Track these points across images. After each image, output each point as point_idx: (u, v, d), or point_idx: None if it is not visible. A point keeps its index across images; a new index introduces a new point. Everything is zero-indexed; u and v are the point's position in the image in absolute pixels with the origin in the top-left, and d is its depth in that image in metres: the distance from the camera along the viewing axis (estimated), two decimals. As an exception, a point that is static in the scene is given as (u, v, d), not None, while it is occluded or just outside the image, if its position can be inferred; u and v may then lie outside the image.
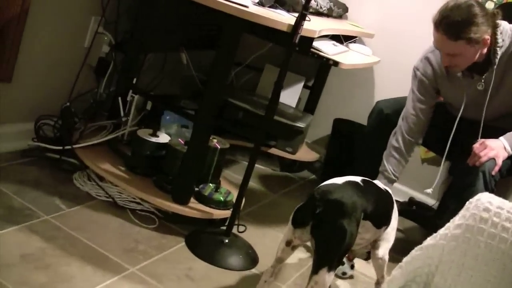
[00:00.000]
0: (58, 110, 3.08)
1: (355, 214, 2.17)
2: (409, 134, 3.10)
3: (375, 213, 2.35)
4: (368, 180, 2.50)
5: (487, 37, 2.75)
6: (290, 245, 2.28)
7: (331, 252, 2.14)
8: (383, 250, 2.58)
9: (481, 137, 2.92)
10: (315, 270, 2.12)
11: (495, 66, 2.84)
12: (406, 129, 3.11)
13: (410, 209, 3.80)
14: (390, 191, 2.68)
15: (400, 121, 3.15)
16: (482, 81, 2.90)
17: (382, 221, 2.48)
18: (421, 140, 3.19)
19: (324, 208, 2.14)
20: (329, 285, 2.15)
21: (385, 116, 3.26)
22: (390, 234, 2.59)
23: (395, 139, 3.13)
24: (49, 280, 2.16)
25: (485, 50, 2.82)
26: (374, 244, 2.56)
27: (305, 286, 2.14)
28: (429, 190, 3.12)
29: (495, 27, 2.80)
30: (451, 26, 2.74)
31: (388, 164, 3.11)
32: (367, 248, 2.59)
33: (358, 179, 2.41)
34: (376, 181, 2.69)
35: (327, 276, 2.11)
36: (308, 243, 2.55)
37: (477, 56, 2.81)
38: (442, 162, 3.10)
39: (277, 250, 2.32)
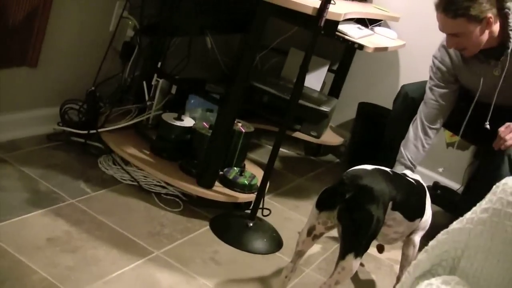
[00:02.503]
0: (83, 94, 3.09)
1: (383, 201, 2.16)
2: (427, 119, 3.07)
3: (405, 204, 2.33)
4: (397, 172, 2.50)
5: (490, 15, 2.70)
6: (311, 234, 2.23)
7: (358, 237, 2.11)
8: (418, 238, 2.56)
9: (494, 120, 2.89)
10: (342, 255, 2.11)
11: (509, 50, 2.80)
12: (426, 114, 3.08)
13: (434, 193, 3.78)
14: (420, 179, 2.63)
15: (420, 107, 3.12)
16: (499, 65, 2.86)
17: (414, 214, 2.44)
18: (440, 126, 3.14)
19: (354, 193, 2.11)
20: (355, 270, 2.14)
21: (411, 100, 3.24)
22: (426, 223, 2.55)
23: (414, 126, 3.10)
24: (76, 263, 2.18)
25: (495, 32, 2.78)
26: (411, 233, 2.53)
27: (332, 271, 2.13)
28: (440, 169, 3.10)
29: (501, 8, 2.75)
30: (449, 3, 2.71)
31: (406, 151, 3.07)
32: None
33: (387, 168, 2.39)
34: (407, 171, 2.67)
35: (354, 262, 2.10)
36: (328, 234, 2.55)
37: (485, 37, 2.76)
38: (455, 143, 3.08)
39: (297, 243, 2.28)
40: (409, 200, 2.38)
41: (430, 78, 3.10)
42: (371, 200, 2.12)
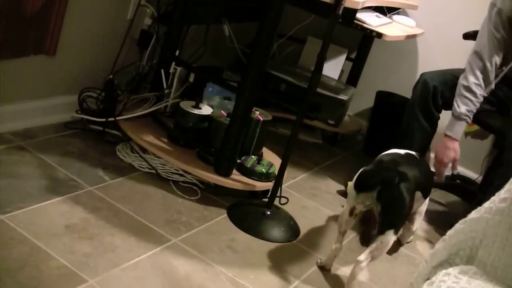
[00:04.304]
0: (101, 82, 3.10)
1: (414, 184, 2.41)
2: (496, 54, 3.01)
3: (424, 184, 2.59)
4: (417, 154, 2.73)
5: None
6: (353, 214, 2.46)
7: (397, 215, 2.36)
8: (417, 224, 2.89)
9: None
10: (382, 231, 2.33)
11: None
12: (490, 53, 3.00)
13: (453, 183, 3.77)
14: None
15: (475, 57, 3.04)
16: None
17: (428, 191, 2.74)
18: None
19: (394, 177, 2.33)
20: (391, 244, 2.36)
21: (430, 88, 3.20)
22: (424, 207, 2.84)
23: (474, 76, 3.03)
24: (94, 250, 2.19)
25: None
26: (410, 218, 2.81)
27: (370, 244, 2.35)
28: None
29: None
30: None
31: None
32: None
33: (412, 152, 2.69)
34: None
35: (392, 238, 2.33)
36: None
37: None
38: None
39: (340, 224, 2.50)
40: (426, 180, 2.65)
41: (488, 26, 3.01)
42: (407, 184, 2.35)
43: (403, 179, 2.35)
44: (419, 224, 2.89)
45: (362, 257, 2.34)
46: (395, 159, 2.50)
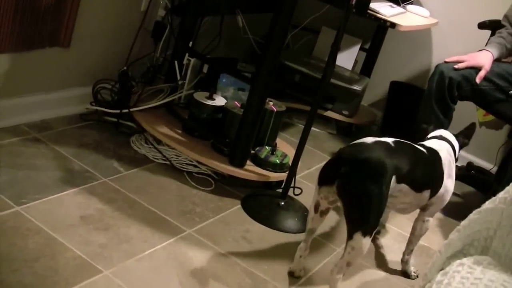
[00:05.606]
0: (116, 74, 3.11)
1: (383, 174, 2.04)
2: None
3: (411, 175, 2.21)
4: (402, 141, 2.32)
5: None
6: (318, 210, 2.20)
7: (361, 215, 2.04)
8: (429, 214, 2.50)
9: None
10: (350, 235, 2.05)
11: None
12: None
13: (468, 173, 3.76)
14: (439, 148, 2.47)
15: (504, 18, 3.20)
16: None
17: (423, 185, 2.32)
18: None
19: (350, 168, 2.03)
20: (366, 249, 2.07)
21: (447, 79, 3.18)
22: (440, 199, 2.44)
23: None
24: (109, 240, 2.21)
25: None
26: (424, 207, 2.46)
27: (342, 252, 2.09)
28: None
29: None
30: None
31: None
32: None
33: (389, 140, 2.25)
34: (442, 131, 2.61)
35: (363, 241, 2.03)
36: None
37: None
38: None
39: (307, 221, 2.27)
40: (415, 170, 2.24)
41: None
42: (369, 176, 2.02)
43: (363, 171, 2.03)
44: (431, 215, 2.52)
45: (334, 268, 2.11)
46: (358, 149, 2.12)
